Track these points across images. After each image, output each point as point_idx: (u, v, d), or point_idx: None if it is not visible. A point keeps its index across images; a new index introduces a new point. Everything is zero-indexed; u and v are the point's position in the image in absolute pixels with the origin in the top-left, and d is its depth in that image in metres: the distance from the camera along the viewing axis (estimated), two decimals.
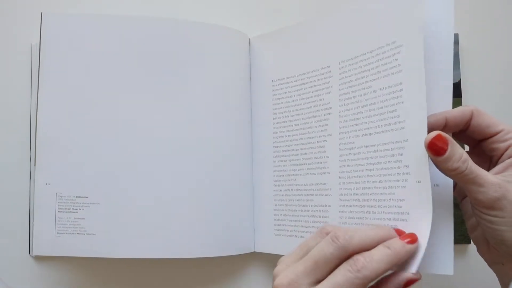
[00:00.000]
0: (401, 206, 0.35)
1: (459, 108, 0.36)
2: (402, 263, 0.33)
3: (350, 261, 0.31)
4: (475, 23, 0.51)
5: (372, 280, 0.31)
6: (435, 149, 0.33)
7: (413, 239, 0.33)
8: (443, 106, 0.36)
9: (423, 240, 0.33)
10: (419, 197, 0.34)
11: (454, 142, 0.33)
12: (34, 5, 0.51)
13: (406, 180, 0.35)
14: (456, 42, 0.50)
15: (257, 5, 0.53)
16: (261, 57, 0.49)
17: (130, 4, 0.52)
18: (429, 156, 0.34)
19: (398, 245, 0.32)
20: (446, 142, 0.33)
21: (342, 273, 0.30)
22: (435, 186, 0.35)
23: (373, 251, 0.31)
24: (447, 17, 0.37)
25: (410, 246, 0.32)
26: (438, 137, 0.33)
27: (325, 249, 0.32)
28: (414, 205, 0.35)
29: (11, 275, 0.49)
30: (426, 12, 0.36)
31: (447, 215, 0.35)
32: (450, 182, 0.36)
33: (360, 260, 0.31)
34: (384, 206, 0.37)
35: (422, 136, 0.34)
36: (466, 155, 0.33)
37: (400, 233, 0.34)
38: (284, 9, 0.53)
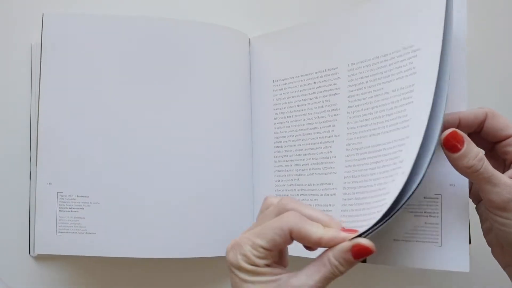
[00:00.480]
0: (385, 199, 0.36)
1: (473, 109, 0.36)
2: None
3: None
4: (476, 24, 0.51)
5: (293, 226, 0.31)
6: (450, 146, 0.33)
7: (351, 232, 0.32)
8: (458, 107, 0.37)
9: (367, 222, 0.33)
10: (396, 186, 0.34)
11: (470, 140, 0.34)
12: (34, 5, 0.51)
13: (396, 174, 0.36)
14: None
15: (257, 5, 0.53)
16: (261, 57, 0.50)
17: (130, 4, 0.53)
18: (445, 153, 0.34)
19: (333, 230, 0.32)
20: (461, 139, 0.33)
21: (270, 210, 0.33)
22: (450, 185, 0.36)
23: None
24: (460, 20, 0.37)
25: (343, 234, 0.31)
26: (453, 133, 0.33)
27: (266, 212, 0.33)
28: (391, 195, 0.35)
29: (11, 275, 0.50)
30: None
31: (463, 215, 0.36)
32: (465, 182, 0.36)
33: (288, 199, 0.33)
34: (375, 201, 0.37)
35: (420, 133, 0.34)
36: (482, 154, 0.33)
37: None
38: (284, 9, 0.53)
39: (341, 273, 0.31)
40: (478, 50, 0.51)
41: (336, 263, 0.31)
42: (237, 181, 0.48)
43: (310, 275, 0.31)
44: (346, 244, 0.31)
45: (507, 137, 0.35)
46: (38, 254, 0.49)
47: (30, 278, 0.50)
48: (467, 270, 0.36)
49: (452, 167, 0.35)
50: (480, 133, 0.36)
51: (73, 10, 0.52)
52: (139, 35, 0.47)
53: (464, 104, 0.37)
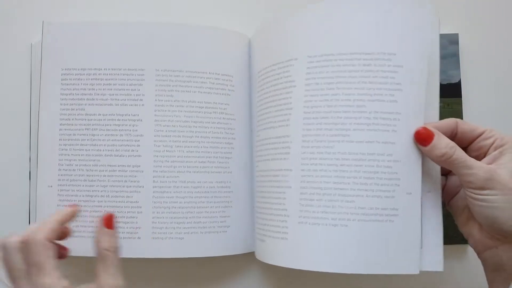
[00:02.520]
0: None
1: (445, 119, 0.41)
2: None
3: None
4: (475, 23, 0.52)
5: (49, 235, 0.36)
6: (421, 139, 0.39)
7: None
8: (432, 116, 0.41)
9: None
10: None
11: (441, 134, 0.39)
12: (34, 5, 0.52)
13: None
14: (456, 42, 0.51)
15: (257, 5, 0.53)
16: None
17: (128, 10, 0.53)
18: (419, 148, 0.40)
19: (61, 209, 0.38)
20: (431, 133, 0.39)
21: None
22: (428, 192, 0.41)
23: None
24: (433, 39, 0.41)
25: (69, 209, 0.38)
26: (423, 129, 0.39)
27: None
28: None
29: None
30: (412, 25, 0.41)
31: (437, 218, 0.40)
32: (438, 189, 0.41)
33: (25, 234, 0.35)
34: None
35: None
36: (453, 144, 0.38)
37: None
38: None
39: (110, 248, 0.37)
40: (476, 49, 0.52)
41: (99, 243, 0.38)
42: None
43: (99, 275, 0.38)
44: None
45: (480, 135, 0.40)
46: None
47: None
48: (441, 269, 0.40)
49: (427, 175, 0.40)
50: (455, 139, 0.40)
51: (72, 9, 0.52)
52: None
53: (436, 116, 0.41)
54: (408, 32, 0.40)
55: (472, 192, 0.37)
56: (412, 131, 0.40)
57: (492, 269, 0.39)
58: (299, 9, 0.44)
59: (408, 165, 0.39)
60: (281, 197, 0.43)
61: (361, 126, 0.40)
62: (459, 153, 0.38)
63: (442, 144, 0.38)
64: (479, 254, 0.40)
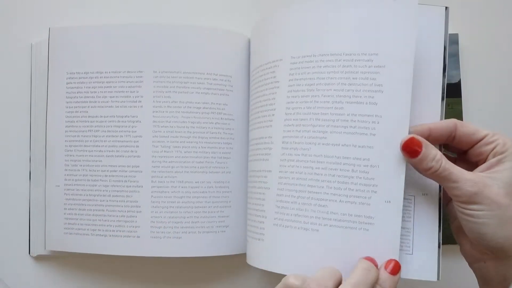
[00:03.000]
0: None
1: (443, 120, 0.39)
2: None
3: None
4: (475, 23, 0.52)
5: None
6: (409, 151, 0.36)
7: (395, 266, 0.36)
8: (432, 117, 0.39)
9: None
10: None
11: (429, 144, 0.37)
12: (34, 5, 0.52)
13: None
14: (456, 42, 0.51)
15: (257, 5, 0.53)
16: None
17: (128, 12, 0.53)
18: (405, 158, 0.37)
19: (390, 282, 0.35)
20: (419, 145, 0.36)
21: None
22: (423, 195, 0.39)
23: None
24: (438, 38, 0.40)
25: (397, 276, 0.36)
26: (411, 139, 0.37)
27: None
28: None
29: (11, 275, 0.50)
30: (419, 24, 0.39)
31: (432, 222, 0.39)
32: (436, 191, 0.39)
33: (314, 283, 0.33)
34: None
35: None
36: (440, 155, 0.36)
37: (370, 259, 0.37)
38: None
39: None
40: (476, 49, 0.52)
41: None
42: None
43: None
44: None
45: (481, 139, 0.38)
46: (38, 254, 0.51)
47: (30, 278, 0.51)
48: (435, 279, 0.38)
49: (423, 177, 0.38)
50: (453, 142, 0.39)
51: (72, 9, 0.52)
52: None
53: (438, 115, 0.39)
54: (392, 31, 0.38)
55: (459, 206, 0.36)
56: (395, 135, 0.37)
57: (482, 282, 0.39)
58: (285, 8, 0.43)
59: (388, 171, 0.37)
60: (261, 198, 0.42)
61: (338, 129, 0.38)
62: (445, 165, 0.36)
63: (430, 156, 0.36)
64: (469, 265, 0.39)
